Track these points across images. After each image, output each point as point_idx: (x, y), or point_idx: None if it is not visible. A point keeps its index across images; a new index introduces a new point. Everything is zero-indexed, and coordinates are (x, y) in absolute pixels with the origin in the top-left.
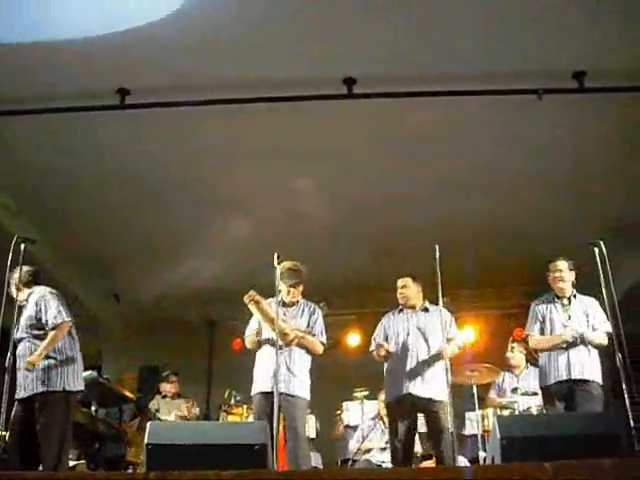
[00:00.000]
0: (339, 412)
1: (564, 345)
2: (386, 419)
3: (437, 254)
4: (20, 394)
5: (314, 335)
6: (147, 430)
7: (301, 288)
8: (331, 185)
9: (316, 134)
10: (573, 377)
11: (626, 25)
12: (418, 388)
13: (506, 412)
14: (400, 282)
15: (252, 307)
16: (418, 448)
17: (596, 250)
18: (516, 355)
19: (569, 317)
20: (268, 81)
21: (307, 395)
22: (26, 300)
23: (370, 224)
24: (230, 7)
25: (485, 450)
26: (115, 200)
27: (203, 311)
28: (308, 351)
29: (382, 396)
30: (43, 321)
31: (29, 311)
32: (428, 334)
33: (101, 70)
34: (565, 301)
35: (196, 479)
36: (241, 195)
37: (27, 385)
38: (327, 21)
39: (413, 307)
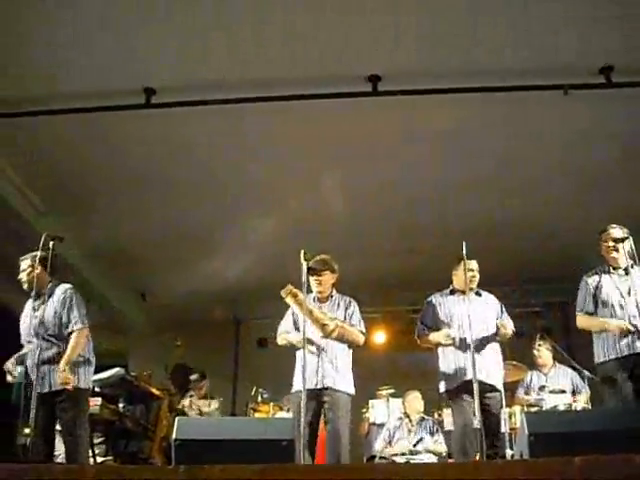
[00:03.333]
0: (365, 410)
1: (617, 333)
2: (413, 417)
3: (464, 251)
4: (45, 389)
5: (353, 326)
6: (175, 425)
7: (328, 277)
8: (358, 183)
9: (341, 131)
10: (633, 352)
11: None
12: (481, 374)
13: (533, 410)
14: (472, 264)
15: (290, 300)
16: (443, 447)
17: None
18: (543, 353)
19: (629, 289)
20: (294, 78)
21: (352, 390)
22: (50, 294)
23: (397, 222)
24: (254, 5)
25: (512, 448)
26: (142, 199)
27: (230, 309)
28: (349, 345)
29: (413, 393)
30: (64, 320)
31: (55, 307)
32: (485, 318)
33: (127, 70)
34: (622, 272)
35: (224, 473)
36: (268, 194)
37: (53, 380)
38: (351, 18)
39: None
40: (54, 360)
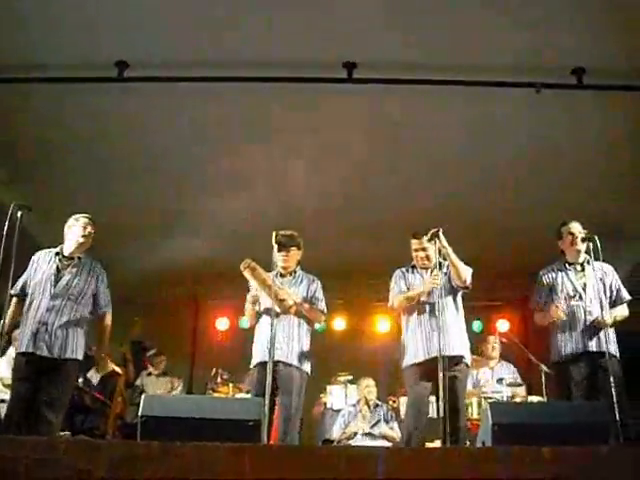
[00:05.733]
0: (322, 395)
1: (555, 317)
2: (371, 403)
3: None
4: (53, 354)
5: (313, 304)
6: (141, 402)
7: (295, 253)
8: (326, 168)
9: (314, 116)
10: (590, 349)
11: (626, 24)
12: (446, 349)
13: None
14: (417, 244)
15: (248, 274)
16: (397, 434)
17: (591, 245)
18: (493, 347)
19: (584, 285)
20: (268, 61)
21: (307, 367)
22: (85, 262)
23: (363, 210)
24: None
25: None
26: (105, 173)
27: (189, 289)
28: (308, 321)
29: (365, 381)
30: (99, 299)
31: (91, 278)
32: (447, 290)
33: (100, 42)
34: (578, 267)
35: (197, 451)
36: (234, 174)
37: (52, 344)
38: (330, 4)
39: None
40: (74, 329)
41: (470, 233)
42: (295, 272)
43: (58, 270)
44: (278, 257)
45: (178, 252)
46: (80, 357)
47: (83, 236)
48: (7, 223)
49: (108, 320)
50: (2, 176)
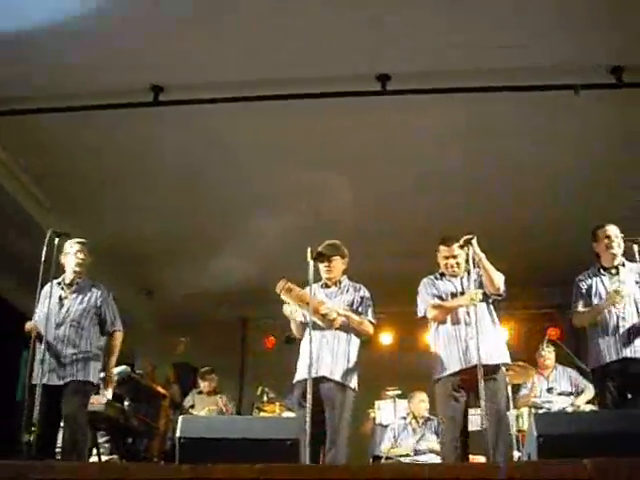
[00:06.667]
0: (371, 411)
1: (608, 308)
2: (418, 417)
3: (477, 250)
4: (52, 381)
5: (360, 314)
6: (179, 424)
7: (338, 262)
8: (363, 183)
9: (348, 131)
10: (625, 356)
11: None
12: (485, 355)
13: (541, 412)
14: (447, 251)
15: (285, 296)
16: None
17: (635, 247)
18: (550, 355)
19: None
20: (301, 77)
21: (353, 384)
22: (84, 286)
23: (404, 223)
24: (264, 3)
25: (519, 449)
26: (148, 197)
27: (235, 309)
28: (357, 334)
29: (420, 395)
30: (104, 318)
31: (91, 300)
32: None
33: (135, 67)
34: (613, 270)
35: (228, 472)
36: (274, 194)
37: (62, 372)
38: (361, 17)
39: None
40: (80, 352)
41: (515, 241)
42: (340, 282)
43: (60, 299)
44: (321, 268)
45: (224, 273)
46: (92, 379)
47: (77, 264)
48: (45, 249)
49: (116, 339)
50: (44, 201)
